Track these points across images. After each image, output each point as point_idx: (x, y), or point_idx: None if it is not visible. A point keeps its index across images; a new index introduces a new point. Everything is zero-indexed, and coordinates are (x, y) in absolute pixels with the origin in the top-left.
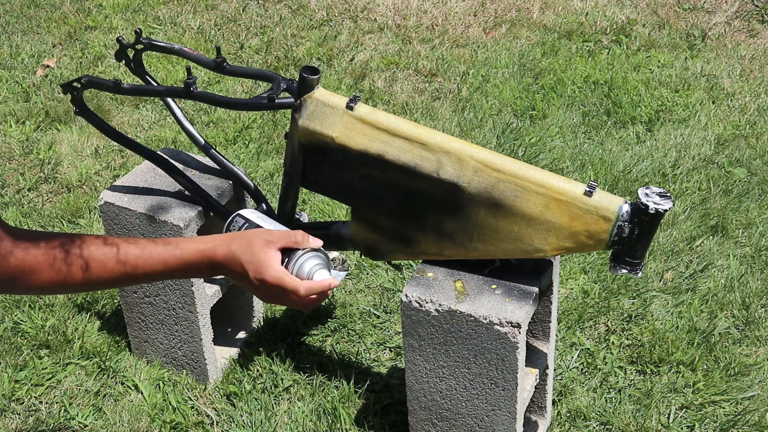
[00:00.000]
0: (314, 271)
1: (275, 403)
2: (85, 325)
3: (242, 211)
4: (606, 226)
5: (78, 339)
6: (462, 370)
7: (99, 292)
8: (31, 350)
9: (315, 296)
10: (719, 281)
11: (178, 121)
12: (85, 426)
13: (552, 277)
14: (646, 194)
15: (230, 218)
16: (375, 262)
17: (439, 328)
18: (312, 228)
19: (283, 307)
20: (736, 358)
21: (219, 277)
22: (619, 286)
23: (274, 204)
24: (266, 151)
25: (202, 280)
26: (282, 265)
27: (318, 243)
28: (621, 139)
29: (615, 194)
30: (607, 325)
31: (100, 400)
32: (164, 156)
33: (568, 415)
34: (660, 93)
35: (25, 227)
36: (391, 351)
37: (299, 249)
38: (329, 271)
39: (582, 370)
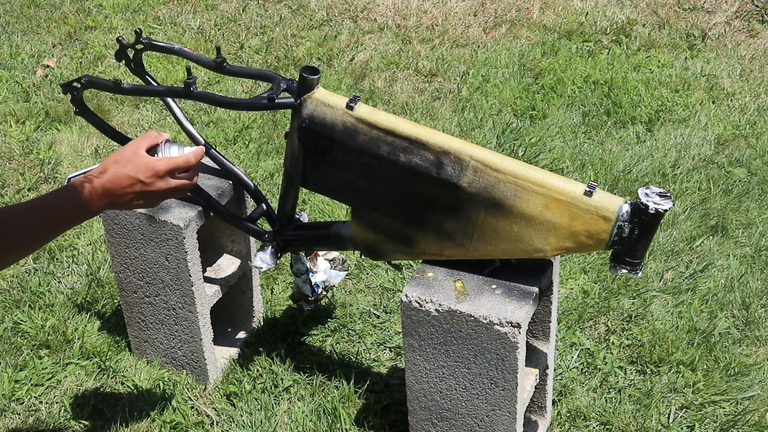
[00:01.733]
0: (183, 149)
1: (275, 403)
2: (85, 325)
3: (71, 175)
4: (606, 226)
5: (78, 339)
6: (462, 370)
7: (99, 291)
8: (31, 350)
9: (195, 172)
10: (719, 281)
11: (178, 121)
12: (85, 426)
13: (552, 277)
14: (646, 194)
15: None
16: (375, 262)
17: (439, 328)
18: (312, 228)
19: (283, 307)
20: (736, 358)
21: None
22: (619, 286)
23: (274, 204)
24: (266, 151)
25: (201, 279)
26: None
27: (167, 135)
28: (621, 139)
29: (615, 194)
30: (607, 325)
31: (100, 400)
32: None
33: (568, 415)
34: (660, 93)
35: None
36: (391, 351)
37: (159, 143)
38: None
39: (582, 370)
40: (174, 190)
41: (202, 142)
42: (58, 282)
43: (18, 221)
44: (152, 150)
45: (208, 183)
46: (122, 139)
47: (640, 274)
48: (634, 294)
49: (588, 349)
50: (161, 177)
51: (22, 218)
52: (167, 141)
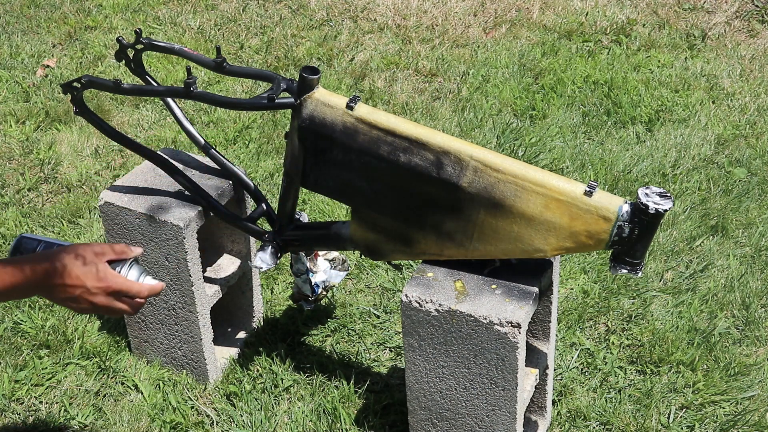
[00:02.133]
0: (143, 278)
1: (275, 403)
2: (85, 325)
3: (25, 234)
4: (606, 226)
5: (78, 339)
6: (462, 370)
7: None
8: (31, 350)
9: (143, 301)
10: (719, 281)
11: (178, 121)
12: (85, 426)
13: (552, 277)
14: (646, 194)
15: (15, 242)
16: (375, 262)
17: (439, 328)
18: (312, 228)
19: (283, 307)
20: (736, 358)
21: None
22: (619, 286)
23: (274, 204)
24: (266, 151)
25: (201, 279)
26: None
27: (138, 251)
28: (621, 139)
29: (615, 194)
30: (607, 325)
31: (100, 400)
32: (164, 156)
33: (568, 415)
34: (660, 93)
35: (26, 227)
36: (391, 351)
37: (125, 259)
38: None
39: (582, 370)
40: (108, 310)
41: (202, 142)
42: None
43: None
44: (115, 263)
45: (208, 183)
46: (122, 139)
47: (640, 274)
48: (634, 294)
49: (588, 349)
50: (107, 294)
51: None
52: (134, 261)
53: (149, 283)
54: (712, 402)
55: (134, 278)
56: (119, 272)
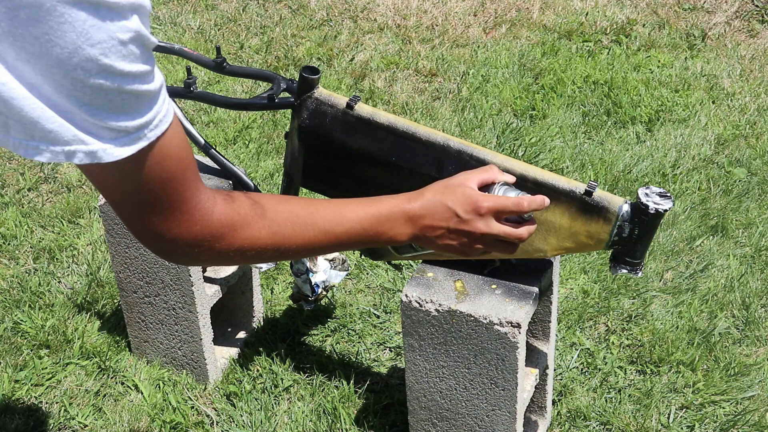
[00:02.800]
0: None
1: (275, 403)
2: (85, 325)
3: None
4: (606, 226)
5: (78, 339)
6: (462, 370)
7: (99, 291)
8: (31, 350)
9: (527, 223)
10: (719, 281)
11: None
12: (85, 426)
13: (552, 277)
14: (646, 194)
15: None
16: (375, 262)
17: (439, 328)
18: None
19: (283, 307)
20: (736, 358)
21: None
22: (619, 286)
23: None
24: (266, 151)
25: (201, 279)
26: None
27: (512, 178)
28: (621, 139)
29: (615, 194)
30: (607, 325)
31: (100, 400)
32: None
33: (568, 415)
34: (660, 93)
35: (25, 227)
36: (391, 351)
37: (496, 183)
38: None
39: (582, 370)
40: (495, 239)
41: (202, 142)
42: (58, 282)
43: (316, 224)
44: (485, 188)
45: (208, 183)
46: None
47: (640, 274)
48: (634, 294)
49: (588, 349)
50: (482, 216)
51: (312, 222)
52: (506, 183)
53: (527, 196)
54: (712, 402)
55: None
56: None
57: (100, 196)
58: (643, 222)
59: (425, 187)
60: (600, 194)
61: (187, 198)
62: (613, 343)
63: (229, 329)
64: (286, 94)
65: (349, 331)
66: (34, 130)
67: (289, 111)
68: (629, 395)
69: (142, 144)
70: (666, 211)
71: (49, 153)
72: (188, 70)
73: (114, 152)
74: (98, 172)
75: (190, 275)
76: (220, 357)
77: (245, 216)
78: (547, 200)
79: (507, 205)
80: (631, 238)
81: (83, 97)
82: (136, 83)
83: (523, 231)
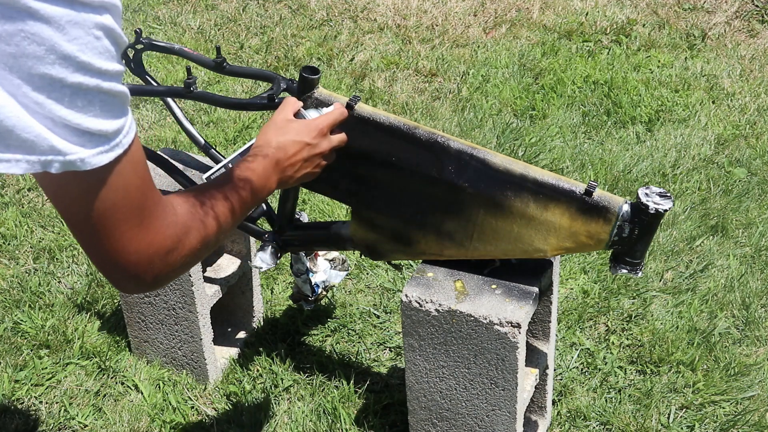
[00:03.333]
0: (324, 109)
1: (275, 403)
2: (85, 325)
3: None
4: (606, 226)
5: (78, 339)
6: (462, 370)
7: (99, 291)
8: (31, 350)
9: (341, 134)
10: (719, 281)
11: (178, 121)
12: (85, 426)
13: (552, 277)
14: (646, 194)
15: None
16: (375, 262)
17: (439, 328)
18: (312, 228)
19: (283, 307)
20: (736, 358)
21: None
22: (619, 286)
23: (274, 204)
24: None
25: (201, 279)
26: None
27: (299, 102)
28: (621, 139)
29: (615, 194)
30: (607, 325)
31: (100, 400)
32: (164, 156)
33: (568, 415)
34: (660, 93)
35: (25, 227)
36: (391, 351)
37: (299, 109)
38: None
39: (582, 370)
40: (332, 152)
41: (202, 142)
42: (58, 282)
43: (225, 198)
44: (297, 116)
45: None
46: None
47: (640, 274)
48: (634, 294)
49: (588, 349)
50: (324, 135)
51: (226, 194)
52: (303, 107)
53: (333, 106)
54: (712, 402)
55: (324, 112)
56: (308, 119)
57: None
58: (643, 222)
59: (259, 137)
60: (600, 194)
61: (158, 200)
62: (613, 343)
63: (229, 329)
64: (286, 94)
65: (349, 331)
66: (9, 140)
67: None
68: (629, 395)
69: (119, 151)
70: (666, 211)
71: (26, 164)
72: (188, 70)
73: (92, 160)
74: (72, 187)
75: (190, 275)
76: (220, 357)
77: (197, 206)
78: (341, 102)
79: (336, 119)
80: (631, 238)
81: (62, 98)
82: (113, 81)
83: (342, 134)
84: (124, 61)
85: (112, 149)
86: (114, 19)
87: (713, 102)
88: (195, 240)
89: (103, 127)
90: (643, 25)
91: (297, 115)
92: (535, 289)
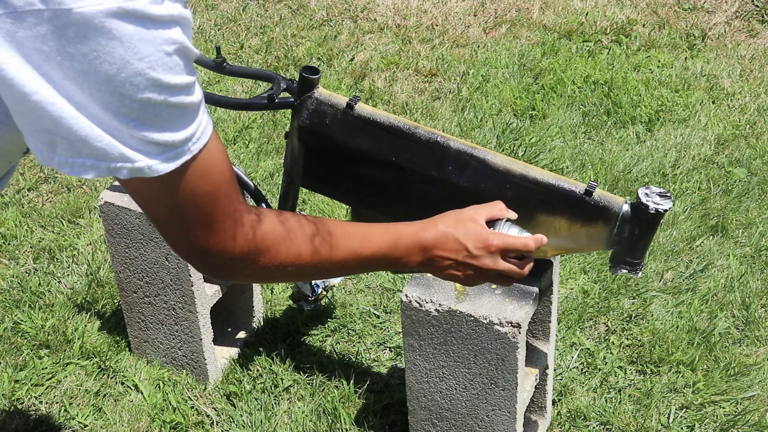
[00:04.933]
0: (522, 233)
1: (275, 403)
2: (85, 325)
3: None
4: (606, 226)
5: (78, 339)
6: (462, 370)
7: (99, 291)
8: (31, 350)
9: (528, 261)
10: (719, 281)
11: None
12: (85, 426)
13: (552, 277)
14: (646, 194)
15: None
16: None
17: (439, 328)
18: None
19: (283, 307)
20: (736, 358)
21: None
22: (619, 286)
23: (274, 204)
24: (266, 151)
25: (201, 279)
26: None
27: (514, 215)
28: (621, 139)
29: (615, 194)
30: (607, 325)
31: (100, 400)
32: None
33: (568, 415)
34: (660, 93)
35: (25, 227)
36: (391, 351)
37: (501, 218)
38: None
39: (582, 370)
40: (499, 275)
41: None
42: (58, 282)
43: (348, 245)
44: (491, 223)
45: None
46: None
47: (640, 274)
48: (634, 294)
49: (588, 349)
50: (491, 253)
51: (345, 243)
52: (509, 220)
53: (530, 236)
54: (712, 402)
55: (515, 234)
56: (498, 231)
57: (101, 195)
58: (643, 222)
59: (437, 217)
60: (600, 194)
61: (233, 211)
62: (613, 343)
63: (229, 329)
64: (286, 94)
65: (349, 331)
66: (81, 148)
67: (289, 111)
68: (629, 395)
69: (186, 158)
70: (666, 211)
71: (95, 170)
72: None
73: (159, 167)
74: (143, 188)
75: (190, 275)
76: (220, 357)
77: (289, 231)
78: (545, 238)
79: (516, 245)
80: (631, 238)
81: (131, 113)
82: (181, 95)
83: (526, 269)
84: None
85: (179, 156)
86: (184, 32)
87: (713, 102)
88: (270, 261)
89: (170, 138)
90: (643, 25)
91: (491, 222)
92: (535, 289)
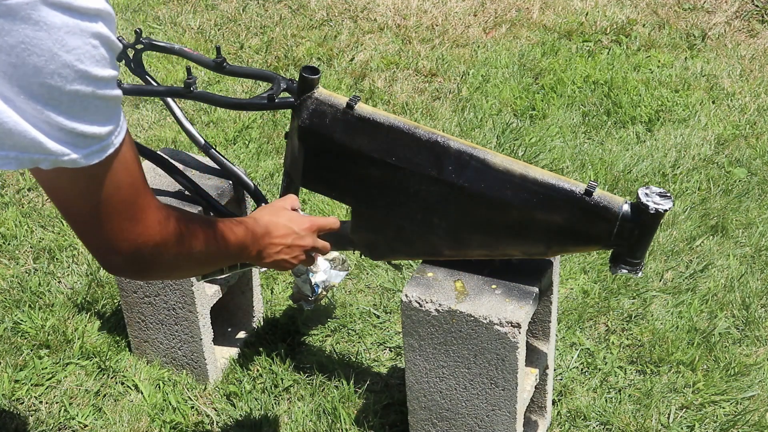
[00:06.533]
0: None
1: (275, 403)
2: (85, 325)
3: None
4: (606, 226)
5: (78, 339)
6: (462, 370)
7: (99, 291)
8: (31, 350)
9: (326, 243)
10: (719, 281)
11: (178, 121)
12: (85, 426)
13: (552, 277)
14: (646, 194)
15: None
16: (375, 262)
17: (439, 328)
18: None
19: (283, 307)
20: (736, 358)
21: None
22: (619, 286)
23: None
24: (266, 151)
25: (202, 280)
26: None
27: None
28: (621, 139)
29: (615, 194)
30: (607, 325)
31: (100, 400)
32: (164, 156)
33: (568, 415)
34: (660, 93)
35: (25, 227)
36: (391, 351)
37: (298, 209)
38: None
39: (582, 370)
40: (312, 250)
41: (202, 142)
42: (58, 282)
43: (206, 234)
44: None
45: (208, 183)
46: None
47: (640, 274)
48: (634, 294)
49: (588, 349)
50: (312, 232)
51: (207, 233)
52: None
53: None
54: (712, 402)
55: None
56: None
57: None
58: (643, 222)
59: (253, 213)
60: (600, 194)
61: (150, 199)
62: (613, 343)
63: (229, 329)
64: (286, 94)
65: (349, 331)
66: (5, 140)
67: (289, 111)
68: (629, 395)
69: (110, 150)
70: (666, 211)
71: (17, 162)
72: (188, 70)
73: (84, 160)
74: (66, 185)
75: None
76: (220, 357)
77: (194, 219)
78: (338, 222)
79: (328, 225)
80: (631, 238)
81: (60, 105)
82: (108, 88)
83: (327, 244)
84: (124, 62)
85: (104, 150)
86: (108, 27)
87: (713, 102)
88: (182, 248)
89: (97, 131)
90: (643, 25)
91: (294, 210)
92: (535, 289)
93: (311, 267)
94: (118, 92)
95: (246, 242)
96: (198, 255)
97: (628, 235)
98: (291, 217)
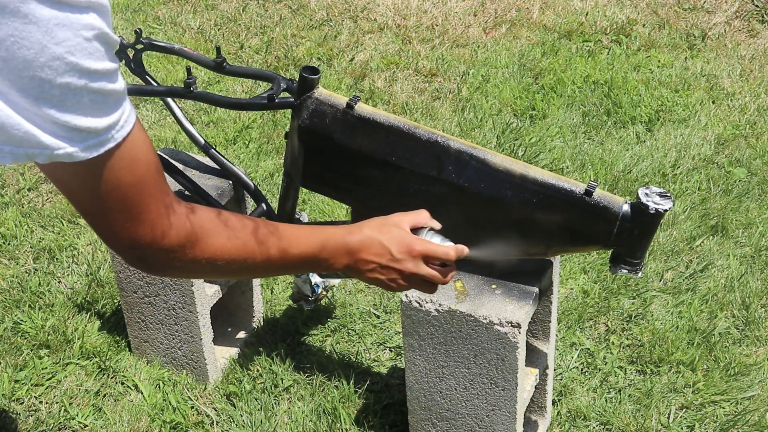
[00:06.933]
0: (445, 242)
1: (275, 403)
2: (85, 325)
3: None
4: (606, 226)
5: (78, 339)
6: (462, 370)
7: (99, 291)
8: (31, 350)
9: (450, 270)
10: (719, 281)
11: (178, 121)
12: (85, 426)
13: (552, 277)
14: (646, 194)
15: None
16: None
17: (439, 328)
18: None
19: (283, 307)
20: (736, 358)
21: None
22: (619, 286)
23: (274, 204)
24: (266, 151)
25: (202, 280)
26: None
27: (438, 225)
28: (621, 139)
29: (615, 194)
30: (607, 325)
31: (100, 400)
32: (164, 156)
33: (568, 415)
34: (660, 93)
35: (25, 227)
36: (391, 351)
37: (425, 227)
38: None
39: (582, 370)
40: (421, 280)
41: (202, 142)
42: (58, 282)
43: (276, 243)
44: (415, 231)
45: (208, 183)
46: None
47: (640, 274)
48: (634, 294)
49: (588, 349)
50: (413, 258)
51: (274, 241)
52: (432, 229)
53: (452, 245)
54: (712, 402)
55: (437, 242)
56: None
57: None
58: (643, 222)
59: (363, 222)
60: (600, 194)
61: (160, 201)
62: (613, 343)
63: (229, 329)
64: (286, 94)
65: (349, 331)
66: None
67: (289, 111)
68: (629, 395)
69: (110, 145)
70: (666, 211)
71: (12, 156)
72: (188, 70)
73: (80, 154)
74: (68, 178)
75: None
76: (220, 357)
77: (218, 224)
78: (466, 249)
79: (437, 252)
80: (631, 238)
81: (51, 98)
82: (102, 81)
83: (448, 276)
84: (124, 62)
85: (102, 144)
86: (101, 18)
87: (713, 102)
88: (200, 253)
89: (92, 125)
90: (643, 25)
91: (416, 229)
92: (535, 289)
93: None
94: (117, 86)
95: (317, 254)
96: (228, 263)
97: (628, 235)
98: (395, 236)
